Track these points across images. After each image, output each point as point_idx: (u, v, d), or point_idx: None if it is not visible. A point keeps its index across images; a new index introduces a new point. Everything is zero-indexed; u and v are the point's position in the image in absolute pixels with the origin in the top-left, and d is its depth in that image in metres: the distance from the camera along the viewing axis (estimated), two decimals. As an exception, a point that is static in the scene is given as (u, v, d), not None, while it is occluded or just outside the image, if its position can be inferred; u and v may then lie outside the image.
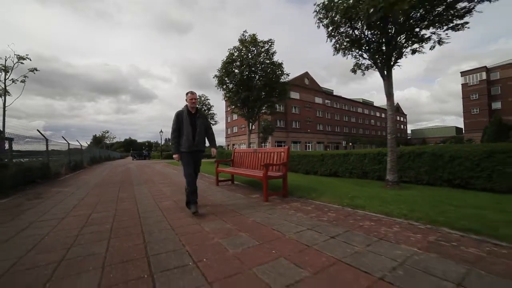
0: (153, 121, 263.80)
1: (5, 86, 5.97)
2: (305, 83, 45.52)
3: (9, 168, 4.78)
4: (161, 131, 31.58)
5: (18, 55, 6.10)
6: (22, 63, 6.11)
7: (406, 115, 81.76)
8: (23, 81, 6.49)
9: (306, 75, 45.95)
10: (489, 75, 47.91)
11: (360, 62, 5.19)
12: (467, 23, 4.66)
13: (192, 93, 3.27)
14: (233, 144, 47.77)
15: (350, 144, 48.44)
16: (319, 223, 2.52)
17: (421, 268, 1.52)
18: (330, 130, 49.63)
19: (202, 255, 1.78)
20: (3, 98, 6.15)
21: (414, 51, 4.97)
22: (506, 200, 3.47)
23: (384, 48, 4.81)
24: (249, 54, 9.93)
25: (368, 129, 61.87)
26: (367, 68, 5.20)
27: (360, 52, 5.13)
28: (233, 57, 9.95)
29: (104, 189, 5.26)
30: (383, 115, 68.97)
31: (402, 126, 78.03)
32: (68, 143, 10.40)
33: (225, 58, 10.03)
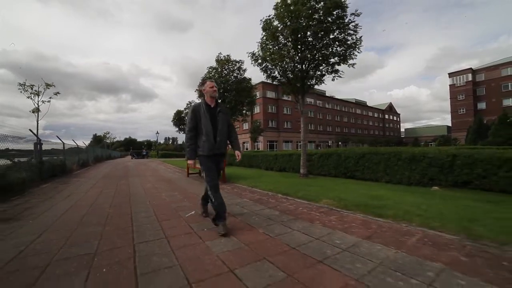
0: (154, 119, 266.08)
1: (38, 106, 8.43)
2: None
3: (44, 164, 7.09)
4: (157, 133, 33.92)
5: (46, 83, 8.56)
6: (48, 88, 8.54)
7: (399, 114, 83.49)
8: (49, 101, 8.99)
9: (297, 77, 47.97)
10: (474, 77, 49.75)
11: (285, 90, 7.50)
12: (354, 63, 6.98)
13: (211, 81, 2.81)
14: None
15: (340, 143, 50.63)
16: (234, 196, 4.76)
17: (236, 203, 3.80)
18: (322, 129, 51.78)
19: (154, 201, 4.09)
20: (36, 114, 8.57)
21: (320, 83, 7.29)
22: (348, 183, 5.76)
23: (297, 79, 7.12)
24: (224, 72, 12.22)
25: (361, 129, 63.71)
26: (289, 93, 7.50)
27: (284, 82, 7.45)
28: (210, 75, 12.24)
29: (108, 179, 7.56)
30: (375, 115, 71.10)
31: (395, 125, 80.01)
32: (77, 145, 12.72)
33: (203, 75, 12.33)
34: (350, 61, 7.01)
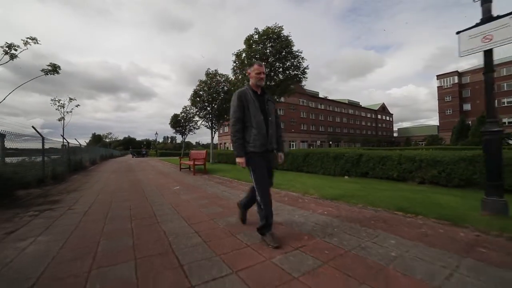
0: (152, 118, 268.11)
1: (64, 116, 10.86)
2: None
3: (71, 161, 9.48)
4: (156, 133, 36.28)
5: (70, 97, 11.04)
6: (71, 101, 10.99)
7: (392, 114, 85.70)
8: (71, 112, 11.48)
9: (290, 80, 50.28)
10: (460, 79, 51.95)
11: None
12: (304, 84, 9.38)
13: (260, 64, 2.34)
14: (225, 143, 52.54)
15: (331, 142, 53.07)
16: (207, 181, 7.17)
17: (205, 183, 6.20)
18: (314, 129, 54.12)
19: (155, 183, 6.49)
20: (62, 121, 11.00)
21: (281, 97, 9.67)
22: (290, 174, 8.17)
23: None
24: (213, 84, 14.62)
25: (353, 128, 65.80)
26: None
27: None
28: (201, 86, 14.64)
29: (118, 173, 9.96)
30: (368, 115, 73.45)
31: (388, 125, 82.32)
32: (85, 145, 15.13)
33: (194, 87, 14.76)
34: (303, 82, 9.45)
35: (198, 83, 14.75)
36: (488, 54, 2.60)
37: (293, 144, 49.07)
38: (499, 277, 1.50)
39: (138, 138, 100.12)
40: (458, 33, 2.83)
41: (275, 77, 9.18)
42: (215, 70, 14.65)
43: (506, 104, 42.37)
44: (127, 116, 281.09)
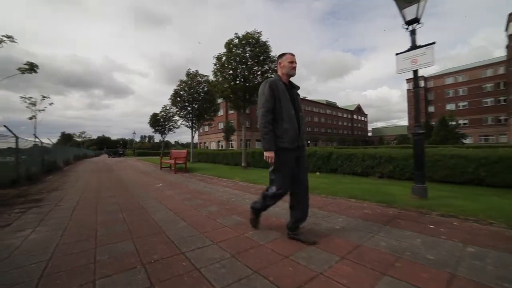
0: (128, 117, 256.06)
1: (36, 114, 10.43)
2: (270, 87, 50.88)
3: (45, 161, 9.21)
4: (134, 133, 35.18)
5: (43, 95, 10.64)
6: (44, 99, 10.58)
7: (367, 115, 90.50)
8: (44, 110, 11.07)
9: (270, 80, 51.11)
10: (426, 83, 56.47)
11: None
12: None
13: (291, 54, 2.25)
14: (205, 142, 52.16)
15: (309, 142, 54.95)
16: (189, 178, 7.47)
17: (187, 180, 6.54)
18: (293, 129, 55.60)
19: (137, 181, 6.69)
20: (33, 120, 10.58)
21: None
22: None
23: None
24: (193, 84, 14.78)
25: (330, 128, 68.55)
26: (234, 109, 10.36)
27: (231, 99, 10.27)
28: (182, 85, 14.74)
29: (98, 173, 9.86)
30: (345, 115, 76.95)
31: (363, 125, 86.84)
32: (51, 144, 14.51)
33: (175, 87, 14.81)
34: None
35: (178, 82, 14.82)
36: (415, 73, 3.32)
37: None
38: (400, 235, 2.16)
39: (113, 137, 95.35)
40: (396, 54, 3.54)
41: (254, 80, 9.69)
42: (196, 70, 14.84)
43: (461, 108, 46.89)
44: (101, 114, 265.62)
